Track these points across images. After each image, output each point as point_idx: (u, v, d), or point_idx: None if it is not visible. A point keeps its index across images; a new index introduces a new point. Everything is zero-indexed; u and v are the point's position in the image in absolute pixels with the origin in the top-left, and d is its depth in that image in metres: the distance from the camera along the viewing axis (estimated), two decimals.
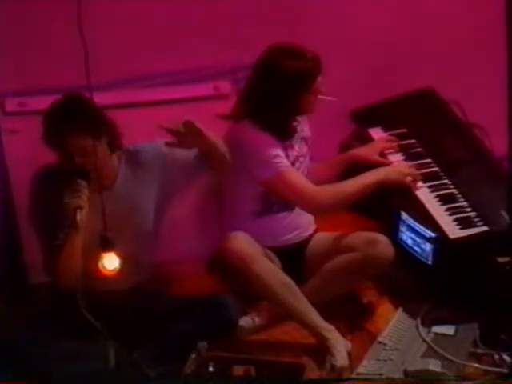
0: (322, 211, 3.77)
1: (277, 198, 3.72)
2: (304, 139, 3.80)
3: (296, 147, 3.74)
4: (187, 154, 3.44)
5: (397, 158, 3.99)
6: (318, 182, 3.70)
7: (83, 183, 3.21)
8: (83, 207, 3.16)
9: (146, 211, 3.45)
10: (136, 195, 3.43)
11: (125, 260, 3.07)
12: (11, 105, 3.97)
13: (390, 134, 4.10)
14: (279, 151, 3.63)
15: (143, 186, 3.44)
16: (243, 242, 3.58)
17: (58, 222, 3.22)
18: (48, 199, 3.28)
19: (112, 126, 3.36)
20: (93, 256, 3.07)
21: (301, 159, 3.76)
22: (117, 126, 3.37)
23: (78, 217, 3.14)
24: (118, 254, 3.06)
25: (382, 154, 3.97)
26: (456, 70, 4.31)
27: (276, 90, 3.58)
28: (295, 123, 3.74)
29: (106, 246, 3.05)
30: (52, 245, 3.25)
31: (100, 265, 3.07)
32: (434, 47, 4.29)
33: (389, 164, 3.89)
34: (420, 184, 3.81)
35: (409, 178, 3.77)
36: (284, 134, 3.67)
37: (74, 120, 3.21)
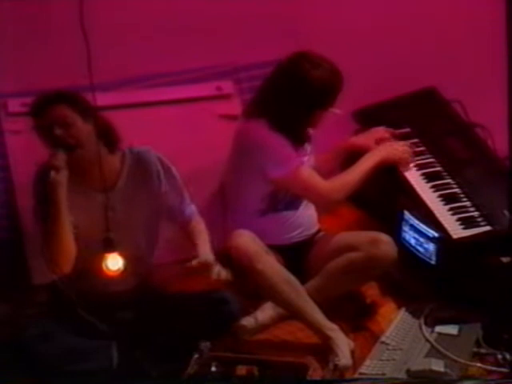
0: (334, 205, 3.86)
1: (283, 197, 3.73)
2: None
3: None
4: (173, 197, 3.50)
5: None
6: (319, 173, 3.71)
7: (61, 151, 3.17)
8: (59, 167, 3.12)
9: (144, 212, 3.44)
10: (136, 197, 3.41)
11: (126, 260, 3.08)
12: (14, 105, 3.97)
13: None
14: (292, 150, 3.64)
15: (143, 188, 3.43)
16: (249, 240, 3.58)
17: None
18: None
19: (107, 125, 3.32)
20: (94, 256, 3.08)
21: (305, 158, 3.76)
22: (114, 128, 3.34)
23: (53, 174, 3.10)
24: (121, 254, 3.07)
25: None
26: (457, 69, 4.32)
27: (302, 103, 3.58)
28: (310, 130, 3.76)
29: (109, 246, 3.06)
30: None
31: (104, 266, 3.07)
32: (436, 47, 4.29)
33: None
34: (412, 161, 3.92)
35: (404, 155, 3.88)
36: (298, 141, 3.68)
37: (58, 94, 3.27)
